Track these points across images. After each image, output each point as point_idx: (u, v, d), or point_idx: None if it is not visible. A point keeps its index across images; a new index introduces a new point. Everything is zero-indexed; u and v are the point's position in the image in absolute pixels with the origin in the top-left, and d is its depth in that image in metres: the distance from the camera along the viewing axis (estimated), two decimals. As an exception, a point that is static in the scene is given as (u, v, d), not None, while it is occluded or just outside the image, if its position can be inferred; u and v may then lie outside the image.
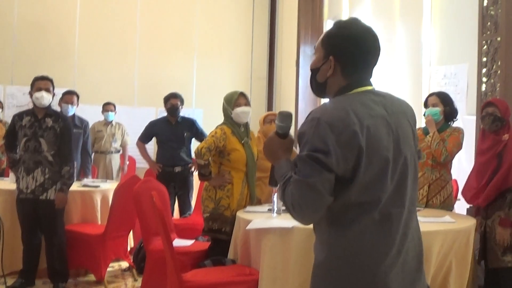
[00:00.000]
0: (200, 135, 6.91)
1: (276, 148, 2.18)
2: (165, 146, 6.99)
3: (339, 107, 1.99)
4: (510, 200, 4.27)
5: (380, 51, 2.13)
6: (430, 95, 5.08)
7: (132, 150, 8.26)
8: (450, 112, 4.90)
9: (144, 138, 7.15)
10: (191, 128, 7.03)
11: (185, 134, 6.96)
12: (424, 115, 4.99)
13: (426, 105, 5.00)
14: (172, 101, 6.95)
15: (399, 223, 2.02)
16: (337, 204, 1.97)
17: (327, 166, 1.90)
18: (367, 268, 1.98)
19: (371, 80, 2.15)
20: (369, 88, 2.10)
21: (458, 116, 5.00)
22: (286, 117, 2.21)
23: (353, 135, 1.91)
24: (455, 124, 4.98)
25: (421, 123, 5.03)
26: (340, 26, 2.12)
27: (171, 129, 6.97)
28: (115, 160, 8.37)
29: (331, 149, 1.90)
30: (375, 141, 1.95)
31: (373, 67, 2.14)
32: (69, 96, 7.22)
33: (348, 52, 2.07)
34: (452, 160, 4.83)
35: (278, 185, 2.12)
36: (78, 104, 7.32)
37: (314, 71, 2.15)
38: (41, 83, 5.23)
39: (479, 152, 4.63)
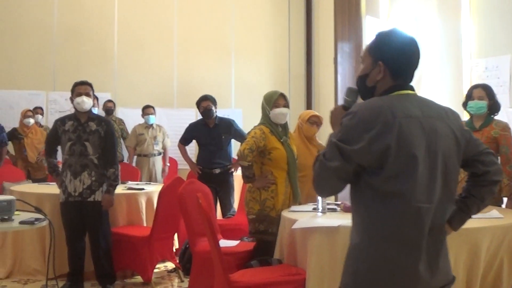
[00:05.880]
0: (239, 136, 6.88)
1: (338, 118, 2.33)
2: (204, 149, 7.04)
3: (377, 105, 2.17)
4: None
5: (420, 56, 2.30)
6: (475, 87, 4.99)
7: (174, 151, 8.36)
8: (494, 105, 4.85)
9: (184, 141, 7.24)
10: (229, 129, 7.01)
11: (223, 136, 6.97)
12: (466, 106, 4.92)
13: (470, 97, 4.92)
14: (203, 104, 6.95)
15: (427, 217, 2.13)
16: (368, 192, 2.15)
17: (348, 157, 2.12)
18: (397, 253, 2.12)
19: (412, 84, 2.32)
20: (410, 92, 2.27)
21: (501, 109, 4.94)
22: (353, 92, 2.42)
23: (383, 133, 2.08)
24: (497, 117, 4.93)
25: (462, 116, 4.95)
26: (384, 35, 2.32)
27: (209, 132, 6.98)
28: (158, 162, 8.48)
29: (358, 143, 2.10)
30: (406, 138, 2.10)
31: (415, 71, 2.32)
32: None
33: (395, 57, 2.26)
34: None
35: None
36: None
37: (363, 77, 2.33)
38: (81, 88, 5.30)
39: None
